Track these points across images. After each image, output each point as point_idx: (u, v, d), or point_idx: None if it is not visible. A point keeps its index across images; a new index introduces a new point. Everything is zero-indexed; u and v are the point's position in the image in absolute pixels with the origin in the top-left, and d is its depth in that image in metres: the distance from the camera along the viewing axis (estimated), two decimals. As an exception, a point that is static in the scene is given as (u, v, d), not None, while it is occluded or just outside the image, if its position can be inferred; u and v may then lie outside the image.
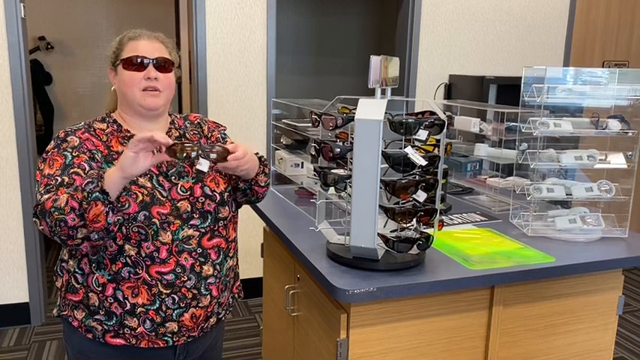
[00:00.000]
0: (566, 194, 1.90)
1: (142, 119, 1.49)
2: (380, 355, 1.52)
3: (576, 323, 1.74)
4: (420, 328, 1.54)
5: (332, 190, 1.55)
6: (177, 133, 1.55)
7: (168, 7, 5.48)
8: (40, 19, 5.25)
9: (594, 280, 1.72)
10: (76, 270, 1.42)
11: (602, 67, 4.34)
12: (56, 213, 1.22)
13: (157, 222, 1.38)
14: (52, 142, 1.42)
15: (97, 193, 1.21)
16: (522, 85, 1.87)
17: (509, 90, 3.65)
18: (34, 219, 1.28)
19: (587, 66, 4.26)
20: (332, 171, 1.52)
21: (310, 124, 2.23)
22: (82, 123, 1.48)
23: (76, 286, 1.43)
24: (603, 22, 4.28)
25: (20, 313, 3.25)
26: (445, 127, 1.47)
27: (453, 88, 3.82)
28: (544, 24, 4.00)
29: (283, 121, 2.57)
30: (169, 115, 1.59)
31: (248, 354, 2.98)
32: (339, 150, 1.48)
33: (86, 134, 1.43)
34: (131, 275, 1.38)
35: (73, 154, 1.38)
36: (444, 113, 1.52)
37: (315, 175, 1.56)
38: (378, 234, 1.46)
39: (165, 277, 1.39)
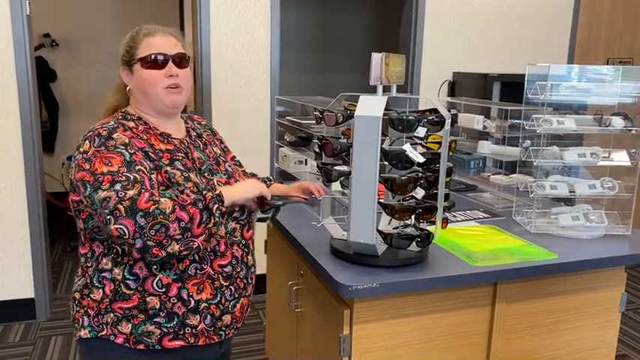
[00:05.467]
0: (570, 191, 1.90)
1: (162, 117, 1.45)
2: (383, 351, 1.52)
3: (579, 320, 1.74)
4: (422, 324, 1.55)
5: (338, 186, 1.55)
6: (195, 133, 1.55)
7: (172, 4, 5.48)
8: (45, 17, 5.26)
9: (597, 277, 1.73)
10: (127, 276, 1.35)
11: (607, 64, 4.33)
12: (160, 216, 1.20)
13: None
14: (90, 141, 1.31)
15: (219, 212, 1.31)
16: (526, 82, 1.86)
17: (513, 87, 3.63)
18: (108, 217, 1.20)
19: (591, 63, 4.25)
20: (335, 167, 1.52)
21: (314, 122, 2.24)
22: (112, 122, 1.37)
23: (128, 292, 1.35)
24: (608, 20, 4.27)
25: (25, 309, 3.27)
26: (448, 124, 1.47)
27: (457, 85, 3.81)
28: (548, 21, 3.99)
29: (287, 118, 2.58)
30: None
31: (252, 350, 2.99)
32: (339, 146, 1.48)
33: (128, 132, 1.36)
34: (197, 271, 1.38)
35: (129, 151, 1.30)
36: (449, 111, 1.52)
37: (317, 171, 1.57)
38: (377, 230, 1.47)
39: (224, 269, 1.42)
